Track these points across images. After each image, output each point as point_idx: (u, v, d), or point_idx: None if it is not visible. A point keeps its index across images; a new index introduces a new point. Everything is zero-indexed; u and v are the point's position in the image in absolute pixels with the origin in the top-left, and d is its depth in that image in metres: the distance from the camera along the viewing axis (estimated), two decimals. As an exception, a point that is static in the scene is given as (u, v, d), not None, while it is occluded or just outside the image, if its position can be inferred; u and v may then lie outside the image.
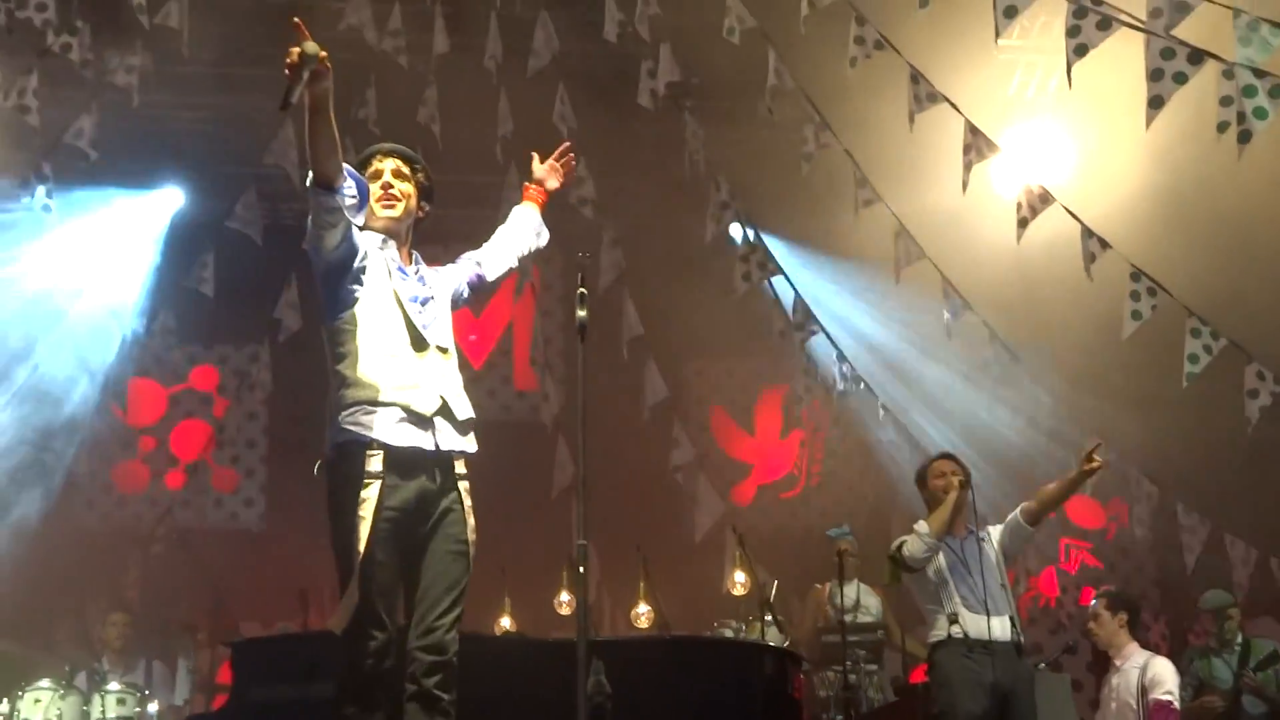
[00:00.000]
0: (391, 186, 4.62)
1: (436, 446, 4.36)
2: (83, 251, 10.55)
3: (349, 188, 4.28)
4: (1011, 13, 7.59)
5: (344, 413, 4.30)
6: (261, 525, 11.50)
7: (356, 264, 4.41)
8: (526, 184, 5.19)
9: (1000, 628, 6.66)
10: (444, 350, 4.54)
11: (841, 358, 10.48)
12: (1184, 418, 9.31)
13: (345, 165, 4.29)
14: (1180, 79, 7.14)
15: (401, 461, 4.28)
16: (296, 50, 3.87)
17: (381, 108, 9.48)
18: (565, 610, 9.35)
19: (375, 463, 4.23)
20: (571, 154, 5.22)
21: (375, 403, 4.29)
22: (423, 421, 4.35)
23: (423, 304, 4.55)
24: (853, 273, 11.13)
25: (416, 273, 4.65)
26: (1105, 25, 7.36)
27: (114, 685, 7.97)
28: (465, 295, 4.86)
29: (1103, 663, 8.82)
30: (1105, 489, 9.93)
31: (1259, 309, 8.44)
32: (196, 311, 10.56)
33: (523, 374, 12.04)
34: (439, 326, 4.57)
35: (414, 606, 4.32)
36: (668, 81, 9.43)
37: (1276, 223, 8.38)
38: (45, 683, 7.74)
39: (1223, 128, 7.13)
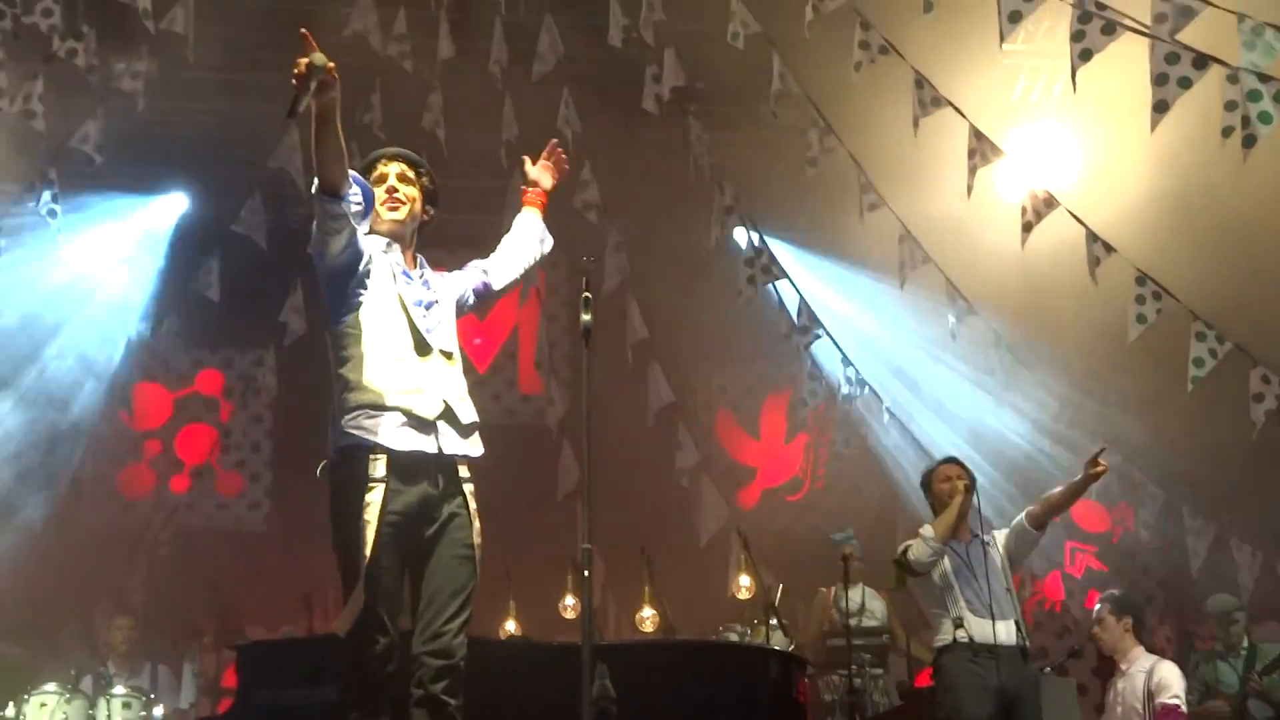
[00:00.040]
0: (396, 190, 4.63)
1: (439, 451, 4.37)
2: (88, 256, 10.57)
3: (354, 194, 4.31)
4: (1016, 17, 7.59)
5: (347, 417, 4.31)
6: (266, 529, 11.51)
7: (361, 268, 4.42)
8: (524, 188, 5.19)
9: (1005, 632, 6.66)
10: (448, 355, 4.54)
11: (846, 362, 10.48)
12: (1189, 422, 9.30)
13: (351, 172, 4.32)
14: (1185, 84, 7.13)
15: (404, 466, 4.28)
16: (304, 61, 3.90)
17: (386, 113, 9.49)
18: (570, 614, 9.35)
19: (378, 467, 4.23)
20: (560, 150, 5.19)
21: (378, 407, 4.29)
22: (426, 426, 4.35)
23: (427, 308, 4.55)
24: (857, 277, 11.14)
25: (421, 277, 4.65)
26: (1109, 30, 7.36)
27: (119, 689, 7.99)
28: (470, 302, 4.85)
29: (1108, 667, 8.80)
30: (1111, 493, 9.92)
31: (1264, 313, 8.44)
32: (202, 316, 10.57)
33: (528, 378, 12.05)
34: (443, 331, 4.57)
35: (419, 611, 4.32)
36: (672, 86, 9.43)
37: (1281, 226, 8.39)
38: (51, 686, 7.76)
39: (1227, 132, 7.12)
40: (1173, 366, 8.53)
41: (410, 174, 4.69)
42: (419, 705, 4.21)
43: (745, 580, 9.10)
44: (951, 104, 8.47)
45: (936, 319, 10.07)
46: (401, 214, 4.63)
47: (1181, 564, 9.99)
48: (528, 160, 5.20)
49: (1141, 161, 8.72)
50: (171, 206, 11.29)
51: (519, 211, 5.15)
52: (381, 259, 4.51)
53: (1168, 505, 9.97)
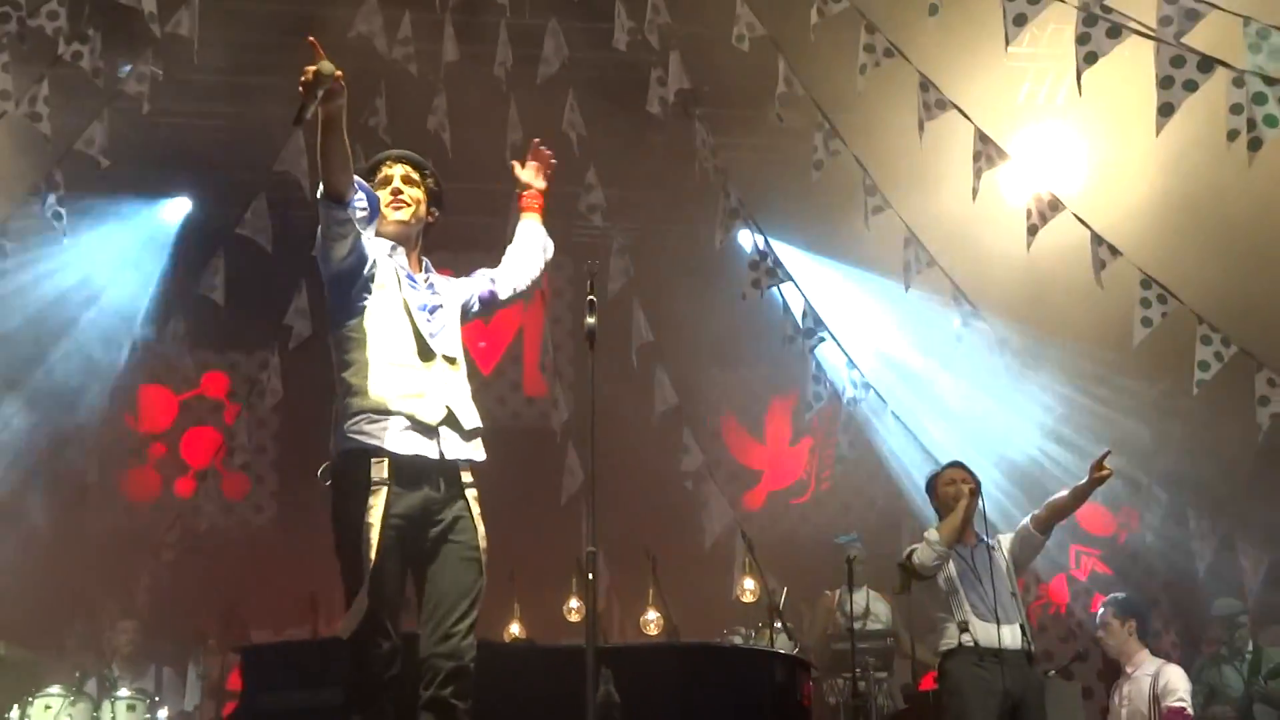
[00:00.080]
0: (401, 192, 4.65)
1: (441, 456, 4.37)
2: (93, 259, 10.59)
3: (359, 200, 4.32)
4: (1021, 20, 7.57)
5: (349, 422, 4.31)
6: (272, 531, 11.52)
7: (365, 272, 4.43)
8: (519, 193, 5.19)
9: (1011, 636, 6.66)
10: (451, 360, 4.54)
11: (851, 365, 10.47)
12: (1194, 425, 9.31)
13: (356, 178, 4.32)
14: (1190, 86, 7.12)
15: (406, 470, 4.29)
16: (312, 69, 3.92)
17: (391, 115, 9.50)
18: (574, 617, 9.35)
19: (380, 470, 4.23)
20: (543, 148, 5.18)
21: (380, 412, 4.30)
22: (428, 431, 4.36)
23: (431, 312, 4.56)
24: (862, 280, 11.14)
25: (427, 280, 4.66)
26: (1115, 33, 7.35)
27: (124, 691, 8.00)
28: (475, 309, 4.87)
29: (1113, 670, 8.80)
30: (1116, 496, 9.92)
31: (1270, 316, 8.42)
32: (207, 318, 10.57)
33: (532, 380, 12.06)
34: (447, 335, 4.58)
35: (426, 614, 4.32)
36: (677, 89, 9.42)
37: (1287, 230, 8.38)
38: (55, 689, 7.77)
39: (1233, 135, 7.10)
40: (1178, 370, 8.52)
41: (415, 175, 4.71)
42: (427, 708, 4.21)
43: (750, 583, 9.10)
44: (957, 107, 8.46)
45: (941, 322, 10.06)
46: (406, 215, 4.64)
47: (1187, 567, 9.99)
48: (516, 165, 5.20)
49: (1147, 165, 8.71)
50: (177, 209, 11.34)
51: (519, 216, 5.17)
52: (386, 263, 4.52)
53: (1173, 509, 9.97)
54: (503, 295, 4.93)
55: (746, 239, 10.37)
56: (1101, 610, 8.34)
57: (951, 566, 6.82)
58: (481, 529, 4.42)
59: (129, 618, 9.36)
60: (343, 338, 4.43)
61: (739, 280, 10.07)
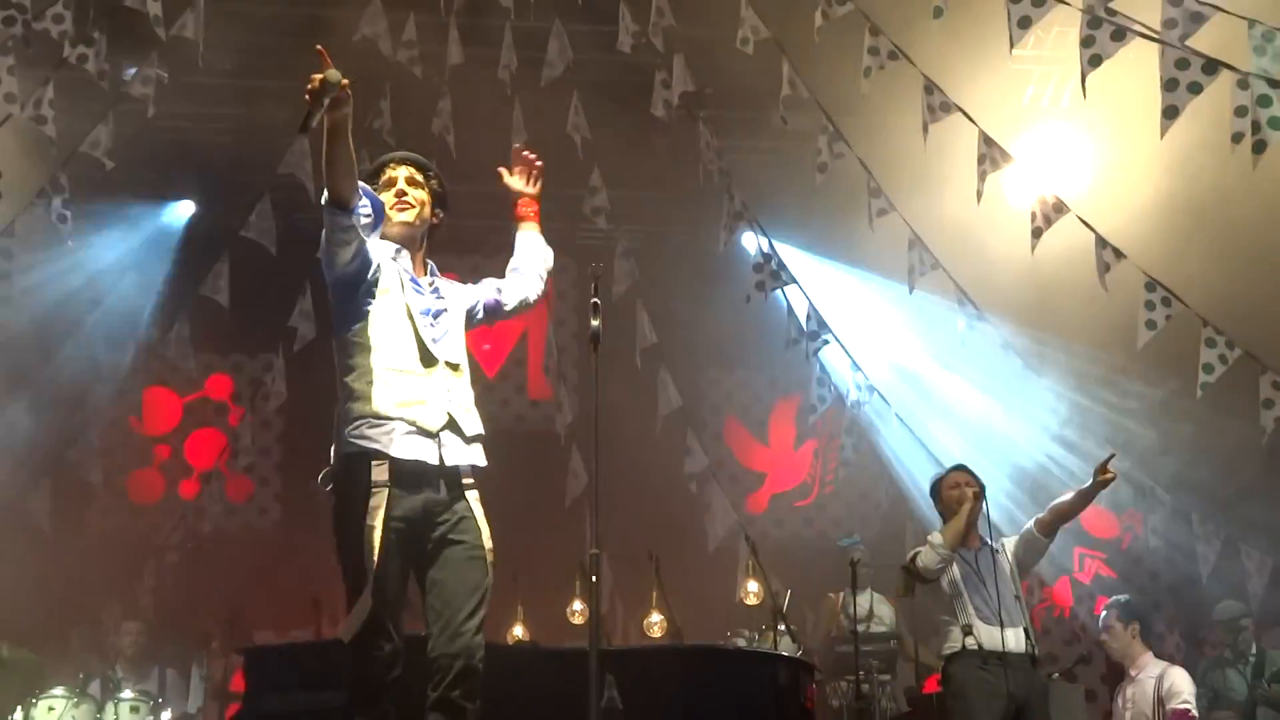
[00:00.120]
0: (405, 193, 4.65)
1: (441, 461, 4.37)
2: (98, 261, 10.60)
3: (364, 207, 4.32)
4: (1026, 23, 7.58)
5: (350, 426, 4.32)
6: (276, 534, 11.52)
7: (369, 276, 4.44)
8: (513, 202, 5.18)
9: (1014, 639, 6.65)
10: (454, 366, 4.54)
11: (855, 367, 10.48)
12: (1199, 428, 9.30)
13: (361, 184, 4.33)
14: (1195, 89, 7.11)
15: (407, 473, 4.29)
16: (319, 77, 3.92)
17: (396, 118, 9.50)
18: (578, 619, 9.34)
19: (381, 472, 4.24)
20: (525, 152, 5.15)
21: (380, 417, 4.30)
22: (429, 436, 4.36)
23: (435, 317, 4.56)
24: (867, 282, 11.13)
25: (431, 285, 4.66)
26: (1119, 35, 7.35)
27: (127, 693, 8.02)
28: (480, 316, 4.88)
29: (1117, 673, 8.79)
30: (1120, 499, 9.91)
31: (1274, 319, 8.42)
32: (211, 320, 10.57)
33: (536, 383, 12.06)
34: (450, 341, 4.58)
35: (434, 614, 4.31)
36: (682, 92, 9.42)
37: (1292, 232, 8.37)
38: (59, 690, 7.79)
39: (1237, 138, 7.10)
40: (1182, 372, 8.52)
41: (419, 177, 4.72)
42: (436, 708, 4.21)
43: (753, 586, 9.10)
44: (961, 109, 8.46)
45: (946, 325, 10.06)
46: (411, 216, 4.65)
47: (1191, 570, 9.97)
48: (504, 173, 5.18)
49: (1151, 167, 8.71)
50: (181, 211, 11.35)
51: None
52: (390, 266, 4.52)
53: (1177, 511, 9.95)
54: (507, 306, 4.94)
55: (751, 241, 10.36)
56: (1105, 613, 8.34)
57: (955, 570, 6.82)
58: (486, 528, 4.42)
59: (133, 619, 9.37)
60: (345, 342, 4.43)
61: (743, 283, 10.08)
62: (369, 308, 4.43)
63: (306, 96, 3.94)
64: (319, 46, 4.01)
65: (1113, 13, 7.44)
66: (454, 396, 4.48)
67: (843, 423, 10.80)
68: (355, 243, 4.33)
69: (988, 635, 6.64)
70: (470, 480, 4.47)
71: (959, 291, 9.69)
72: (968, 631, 6.67)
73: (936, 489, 7.22)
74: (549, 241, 5.20)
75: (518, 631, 9.32)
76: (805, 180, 9.47)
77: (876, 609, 9.07)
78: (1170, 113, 7.15)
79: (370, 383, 4.33)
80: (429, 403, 4.39)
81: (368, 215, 4.36)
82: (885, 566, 8.44)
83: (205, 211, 11.34)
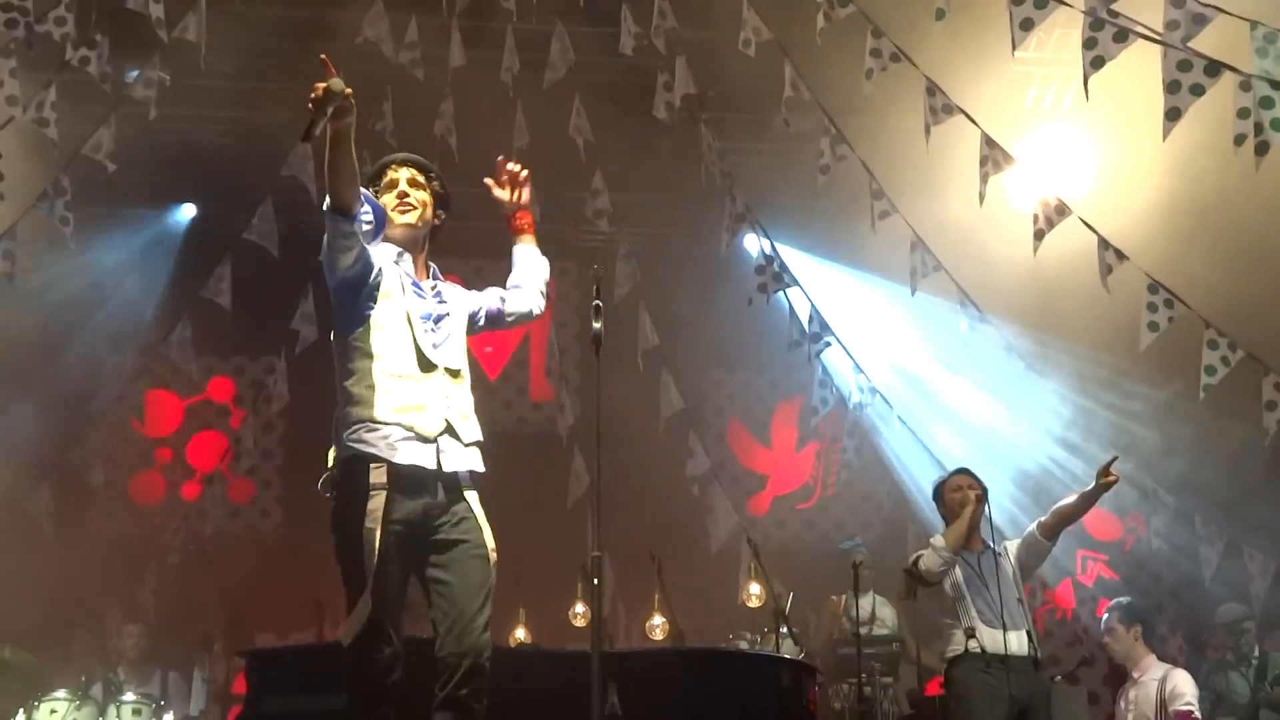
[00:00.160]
0: (407, 195, 4.66)
1: (439, 466, 4.37)
2: (100, 263, 10.60)
3: (365, 214, 4.33)
4: (1028, 25, 7.57)
5: (348, 431, 4.33)
6: (277, 536, 11.52)
7: (371, 280, 4.44)
8: (505, 215, 5.15)
9: (1017, 642, 6.64)
10: (453, 372, 4.54)
11: (858, 369, 10.48)
12: (1201, 430, 9.29)
13: (363, 191, 4.34)
14: (1197, 91, 7.11)
15: (405, 477, 4.29)
16: (322, 86, 3.93)
17: (398, 120, 9.50)
18: (580, 622, 9.34)
19: (380, 475, 4.24)
20: (508, 163, 5.12)
21: (378, 422, 4.31)
22: (427, 442, 4.36)
23: (435, 322, 4.56)
24: (869, 284, 11.13)
25: (433, 288, 4.67)
26: (1122, 37, 7.34)
27: (129, 696, 8.01)
28: (482, 323, 4.90)
29: (1119, 675, 8.78)
30: (1122, 501, 9.89)
31: (1277, 320, 8.41)
32: (213, 323, 10.57)
33: (538, 385, 12.06)
34: (450, 346, 4.58)
35: (438, 615, 4.30)
36: (684, 94, 9.42)
37: (1294, 234, 8.36)
38: (61, 693, 7.79)
39: (1240, 140, 7.10)
40: (1185, 374, 8.51)
41: (420, 179, 4.72)
42: (444, 707, 4.20)
43: (755, 588, 9.09)
44: (963, 111, 8.46)
45: (948, 327, 10.06)
46: (413, 217, 4.65)
47: (1193, 573, 9.96)
48: (492, 185, 5.13)
49: (1154, 169, 8.71)
50: (183, 214, 11.35)
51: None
52: (392, 270, 4.52)
53: (1180, 514, 9.94)
54: (509, 318, 4.97)
55: (753, 243, 10.36)
56: (1107, 615, 8.33)
57: (958, 572, 6.81)
58: (487, 528, 4.42)
59: (134, 621, 9.37)
60: (345, 346, 4.43)
61: (745, 285, 10.08)
62: (370, 312, 4.43)
63: (310, 105, 3.94)
64: (323, 56, 4.01)
65: (1115, 14, 7.43)
66: (452, 402, 4.47)
67: (845, 425, 10.80)
68: (357, 249, 4.33)
69: (990, 638, 6.63)
70: (469, 483, 4.47)
71: (961, 293, 9.68)
72: (970, 634, 6.66)
73: (939, 491, 7.21)
74: (551, 245, 5.22)
75: (520, 634, 9.31)
76: (807, 182, 9.47)
77: (879, 611, 9.06)
78: (1172, 114, 7.14)
79: (369, 387, 4.34)
80: (427, 408, 4.39)
81: (369, 222, 4.37)
82: (887, 569, 8.43)
83: (207, 214, 11.35)
